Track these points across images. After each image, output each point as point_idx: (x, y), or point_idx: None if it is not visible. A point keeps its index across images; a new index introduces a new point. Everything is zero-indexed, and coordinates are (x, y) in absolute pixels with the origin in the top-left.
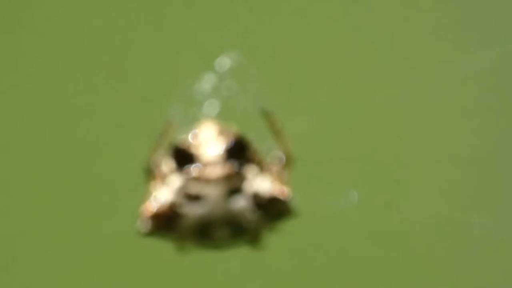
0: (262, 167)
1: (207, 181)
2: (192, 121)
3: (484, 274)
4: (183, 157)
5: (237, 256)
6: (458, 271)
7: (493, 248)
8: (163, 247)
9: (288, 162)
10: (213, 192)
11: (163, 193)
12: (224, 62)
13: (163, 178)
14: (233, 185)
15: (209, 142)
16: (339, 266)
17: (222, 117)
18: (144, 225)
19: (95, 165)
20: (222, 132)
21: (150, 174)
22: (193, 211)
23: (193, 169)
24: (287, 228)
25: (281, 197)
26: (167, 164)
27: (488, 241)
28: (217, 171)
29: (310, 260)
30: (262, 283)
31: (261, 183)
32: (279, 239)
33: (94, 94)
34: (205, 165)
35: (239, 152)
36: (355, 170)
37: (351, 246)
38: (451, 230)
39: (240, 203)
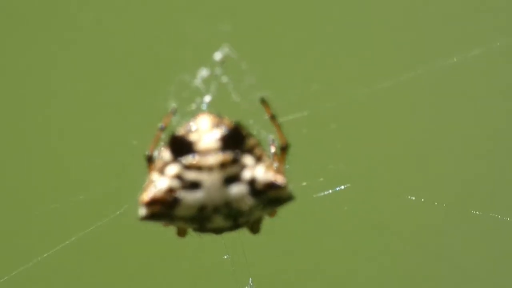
0: (258, 155)
1: (203, 168)
2: (189, 113)
3: (467, 262)
4: (181, 146)
5: (235, 240)
6: (443, 255)
7: (488, 239)
8: (164, 232)
9: (284, 150)
10: (210, 179)
11: (161, 181)
12: (218, 56)
13: (162, 166)
14: (229, 172)
15: (205, 132)
16: (332, 249)
17: (218, 109)
18: (143, 211)
19: (97, 156)
20: (218, 122)
21: (150, 163)
22: (190, 197)
23: (190, 157)
24: (283, 213)
25: (277, 183)
26: (165, 154)
27: (479, 232)
28: (213, 158)
29: (305, 243)
30: (258, 267)
31: (257, 170)
32: (275, 223)
33: (93, 88)
34: (202, 153)
35: (235, 140)
36: (349, 159)
37: (344, 230)
38: (441, 220)
39: (237, 189)
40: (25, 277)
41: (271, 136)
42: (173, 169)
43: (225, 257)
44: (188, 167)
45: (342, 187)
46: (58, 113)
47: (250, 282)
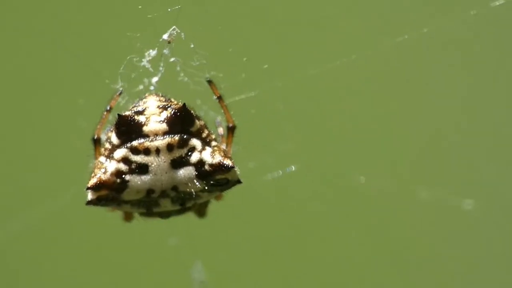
0: (206, 137)
1: (151, 151)
2: (136, 94)
3: (419, 236)
4: (128, 129)
5: (181, 223)
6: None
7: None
8: (111, 217)
9: (231, 131)
10: (157, 162)
11: (109, 164)
12: (166, 38)
13: (109, 150)
14: (177, 154)
15: (153, 113)
16: (280, 231)
17: (165, 90)
18: (90, 195)
19: (46, 139)
20: (165, 104)
21: (97, 146)
22: (138, 180)
23: (137, 140)
24: (229, 196)
25: (225, 166)
26: (112, 136)
27: (424, 213)
28: (161, 141)
29: (252, 227)
30: (207, 250)
31: (205, 152)
32: (222, 206)
33: (42, 70)
34: (149, 135)
35: (182, 122)
36: (298, 140)
37: (290, 211)
38: (393, 199)
39: (185, 172)
40: None
41: (219, 118)
42: (120, 152)
43: (172, 240)
44: (135, 150)
45: (292, 168)
46: (5, 95)
47: (197, 266)
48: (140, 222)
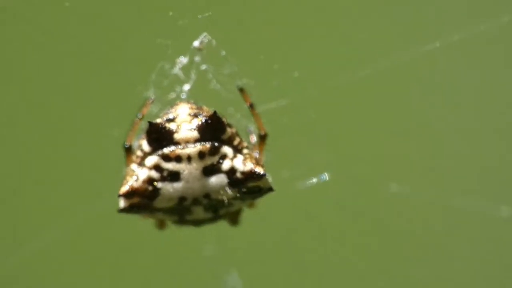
0: (237, 144)
1: (182, 158)
2: (167, 102)
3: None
4: (159, 136)
5: (214, 232)
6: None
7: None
8: (144, 225)
9: (263, 139)
10: (188, 169)
11: (140, 172)
12: (197, 45)
13: (141, 157)
14: (208, 162)
15: (184, 121)
16: (313, 240)
17: (197, 98)
18: (122, 202)
19: (78, 147)
20: (196, 111)
21: (129, 154)
22: (169, 188)
23: (169, 147)
24: (263, 204)
25: (256, 173)
26: (144, 144)
27: (459, 223)
28: (192, 148)
29: (285, 234)
30: (240, 259)
31: (236, 160)
32: (255, 214)
33: (73, 78)
34: (180, 143)
35: (214, 130)
36: (330, 148)
37: (323, 219)
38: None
39: (216, 180)
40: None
41: (251, 126)
42: (152, 159)
43: (207, 249)
44: (167, 158)
45: (325, 177)
46: (37, 104)
47: (232, 275)
48: (173, 231)
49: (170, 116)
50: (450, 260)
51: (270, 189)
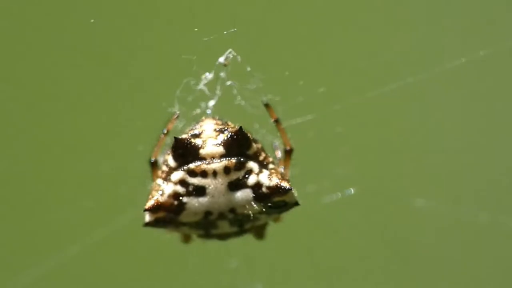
0: (263, 159)
1: (208, 173)
2: (192, 118)
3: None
4: (185, 151)
5: (240, 245)
6: (448, 260)
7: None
8: (169, 240)
9: (288, 154)
10: (214, 184)
11: (166, 186)
12: (222, 60)
13: (166, 172)
14: (234, 177)
15: (209, 137)
16: (338, 255)
17: (222, 114)
18: (148, 217)
19: (102, 162)
20: (222, 127)
21: (154, 169)
22: (195, 202)
23: (194, 162)
24: (288, 218)
25: (282, 188)
26: (169, 159)
27: (489, 235)
28: (218, 163)
29: (310, 248)
30: (264, 273)
31: (262, 175)
32: (280, 229)
33: (98, 93)
34: (206, 158)
35: (239, 145)
36: (355, 163)
37: (349, 234)
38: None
39: (242, 195)
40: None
41: (276, 141)
42: (178, 174)
43: (231, 263)
44: (192, 173)
45: (351, 191)
46: (62, 119)
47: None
48: (199, 244)
49: (196, 131)
50: (476, 276)
51: (295, 204)
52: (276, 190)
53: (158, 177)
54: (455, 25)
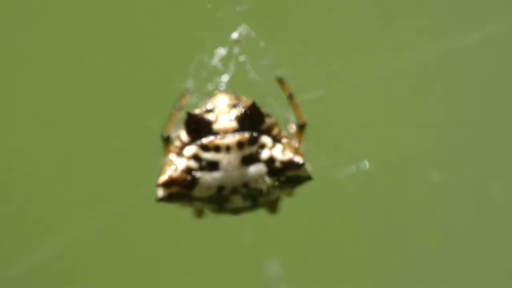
0: (276, 134)
1: (221, 148)
2: (206, 93)
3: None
4: (198, 126)
5: (253, 220)
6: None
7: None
8: (183, 215)
9: (301, 129)
10: (227, 159)
11: (179, 161)
12: (236, 35)
13: (179, 147)
14: (247, 151)
15: (223, 112)
16: (350, 228)
17: (235, 89)
18: (161, 192)
19: (116, 138)
20: (235, 102)
21: (167, 144)
22: (208, 177)
23: (207, 137)
24: (301, 193)
25: (296, 162)
26: (182, 134)
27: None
28: (231, 138)
29: (323, 222)
30: (278, 247)
31: (275, 149)
32: (294, 203)
33: (112, 70)
34: (219, 133)
35: (252, 120)
36: (368, 138)
37: (362, 207)
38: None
39: (255, 169)
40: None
41: (289, 116)
42: (191, 149)
43: (246, 237)
44: (206, 148)
45: (365, 165)
46: (77, 96)
47: (272, 262)
48: (212, 219)
49: (209, 107)
50: (493, 250)
51: (309, 178)
52: (289, 164)
53: (171, 152)
54: None
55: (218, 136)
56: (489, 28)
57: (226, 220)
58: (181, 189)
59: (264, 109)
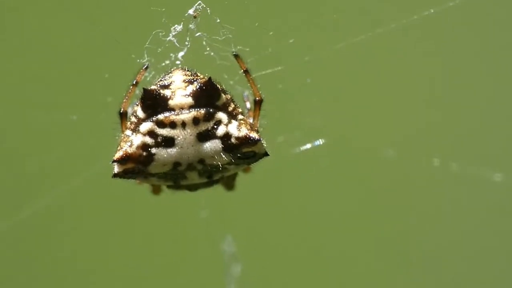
0: (232, 110)
1: (177, 124)
2: (162, 69)
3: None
4: (154, 102)
5: (210, 197)
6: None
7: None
8: (139, 190)
9: (258, 105)
10: (183, 135)
11: (135, 137)
12: (192, 13)
13: (135, 123)
14: (203, 128)
15: (179, 88)
16: (307, 204)
17: (192, 65)
18: (116, 168)
19: (71, 113)
20: (191, 78)
21: (123, 120)
22: (164, 153)
23: (163, 113)
24: (257, 169)
25: (251, 139)
26: (138, 110)
27: (454, 185)
28: (186, 114)
29: (279, 199)
30: (234, 223)
31: (231, 126)
32: (250, 179)
33: (67, 45)
34: (175, 109)
35: (208, 96)
36: (325, 114)
37: (318, 184)
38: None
39: (211, 145)
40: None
41: (246, 92)
42: (146, 125)
43: (202, 214)
44: (161, 124)
45: (320, 142)
46: (34, 71)
47: (227, 239)
48: (169, 196)
49: (165, 82)
50: (451, 228)
51: (265, 154)
52: (245, 140)
53: (127, 128)
54: None
55: (174, 112)
56: None
57: (183, 196)
58: (137, 165)
59: (220, 85)
